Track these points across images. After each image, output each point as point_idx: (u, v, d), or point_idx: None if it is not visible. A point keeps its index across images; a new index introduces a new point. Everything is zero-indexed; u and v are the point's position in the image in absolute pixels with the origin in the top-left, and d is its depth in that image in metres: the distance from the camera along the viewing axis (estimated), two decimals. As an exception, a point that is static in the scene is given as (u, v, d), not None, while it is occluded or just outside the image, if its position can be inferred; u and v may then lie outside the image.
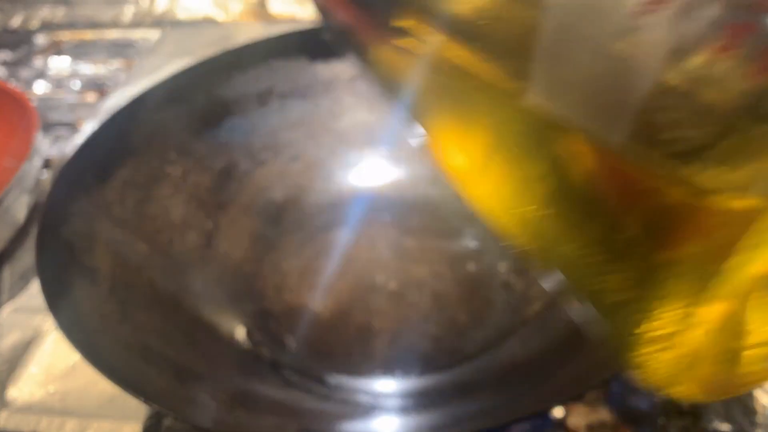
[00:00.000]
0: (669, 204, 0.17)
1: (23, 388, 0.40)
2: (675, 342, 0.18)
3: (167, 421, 0.37)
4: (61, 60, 0.78)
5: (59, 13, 0.83)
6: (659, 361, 0.19)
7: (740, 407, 0.36)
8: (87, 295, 0.35)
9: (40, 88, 0.74)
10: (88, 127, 0.62)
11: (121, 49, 0.80)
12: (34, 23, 0.83)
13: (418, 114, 0.28)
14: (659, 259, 0.18)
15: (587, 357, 0.34)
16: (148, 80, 0.63)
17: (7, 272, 0.48)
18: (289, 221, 0.47)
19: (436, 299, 0.41)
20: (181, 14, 0.81)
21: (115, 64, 0.77)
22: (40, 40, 0.81)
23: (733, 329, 0.19)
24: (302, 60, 0.50)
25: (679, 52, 0.16)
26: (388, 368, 0.37)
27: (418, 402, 0.35)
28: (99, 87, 0.74)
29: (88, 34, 0.81)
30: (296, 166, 0.49)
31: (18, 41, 0.82)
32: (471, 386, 0.35)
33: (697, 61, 0.16)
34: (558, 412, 0.37)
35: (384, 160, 0.50)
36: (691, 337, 0.18)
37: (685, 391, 0.20)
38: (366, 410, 0.34)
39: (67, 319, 0.32)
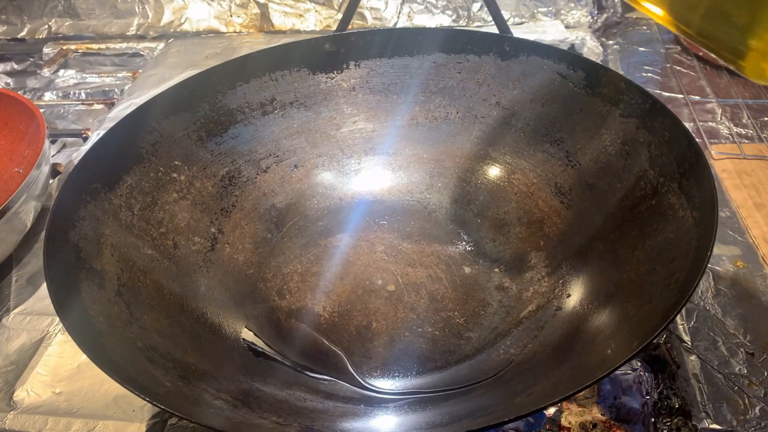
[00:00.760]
0: None
1: (30, 390, 0.41)
2: None
3: (171, 421, 0.38)
4: (68, 70, 0.80)
5: (66, 25, 0.84)
6: None
7: (729, 407, 0.37)
8: (94, 298, 0.35)
9: (47, 97, 0.76)
10: (95, 136, 0.64)
11: (126, 60, 0.82)
12: (42, 34, 0.85)
13: None
14: None
15: (581, 358, 0.35)
16: (153, 90, 0.64)
17: (15, 276, 0.49)
18: (291, 226, 0.48)
19: (433, 301, 0.42)
20: (186, 26, 0.83)
21: (121, 74, 0.78)
22: (48, 50, 0.82)
23: None
24: (304, 70, 0.51)
25: None
26: (386, 368, 0.38)
27: (415, 401, 0.36)
28: (105, 97, 0.75)
29: (95, 46, 0.82)
30: (298, 173, 0.51)
31: (26, 52, 0.84)
32: (467, 386, 0.36)
33: None
34: (551, 411, 0.38)
35: (382, 168, 0.52)
36: None
37: None
38: (365, 409, 0.35)
39: (75, 321, 0.33)
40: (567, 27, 0.76)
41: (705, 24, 0.30)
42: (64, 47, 0.83)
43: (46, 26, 0.85)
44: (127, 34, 0.83)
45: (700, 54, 0.68)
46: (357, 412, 0.35)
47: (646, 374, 0.39)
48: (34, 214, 0.51)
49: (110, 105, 0.72)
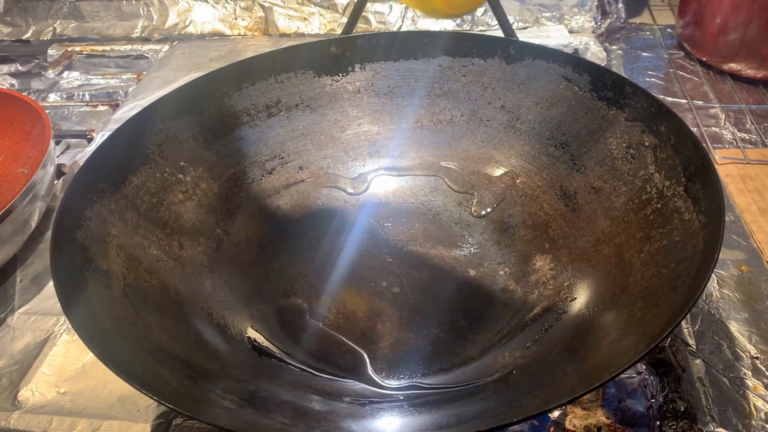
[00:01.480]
0: None
1: (35, 389, 0.41)
2: None
3: (176, 422, 0.38)
4: (72, 72, 0.80)
5: (71, 27, 0.84)
6: None
7: (735, 411, 0.37)
8: (100, 297, 0.36)
9: (52, 99, 0.76)
10: (99, 137, 0.64)
11: (131, 62, 0.82)
12: (47, 36, 0.85)
13: None
14: None
15: (586, 361, 0.35)
16: (158, 92, 0.64)
17: (20, 276, 0.49)
18: (296, 228, 0.49)
19: (438, 303, 0.42)
20: (190, 29, 0.83)
21: (126, 76, 0.79)
22: (53, 52, 0.83)
23: None
24: (309, 73, 0.51)
25: None
26: (391, 369, 0.38)
27: (420, 402, 0.36)
28: (109, 98, 0.75)
29: (100, 48, 0.83)
30: (303, 175, 0.51)
31: (31, 54, 0.84)
32: (472, 388, 0.36)
33: None
34: (556, 414, 0.38)
35: (387, 170, 0.52)
36: None
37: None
38: (371, 410, 0.35)
39: (82, 320, 0.33)
40: (571, 32, 0.76)
41: None
42: (69, 49, 0.83)
43: (51, 28, 0.85)
44: (132, 36, 0.83)
45: (704, 59, 0.69)
46: (363, 413, 0.35)
47: (651, 378, 0.39)
48: (38, 214, 0.51)
49: (114, 106, 0.72)
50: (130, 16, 0.84)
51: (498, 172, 0.49)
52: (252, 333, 0.40)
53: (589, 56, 0.71)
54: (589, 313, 0.38)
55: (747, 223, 0.49)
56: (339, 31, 0.79)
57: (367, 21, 0.79)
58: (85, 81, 0.79)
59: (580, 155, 0.45)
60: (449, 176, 0.50)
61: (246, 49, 0.78)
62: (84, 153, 0.62)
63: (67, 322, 0.44)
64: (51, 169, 0.52)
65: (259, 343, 0.40)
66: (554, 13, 0.77)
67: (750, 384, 0.38)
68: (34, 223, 0.51)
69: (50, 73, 0.80)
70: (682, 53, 0.72)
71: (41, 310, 0.46)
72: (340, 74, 0.52)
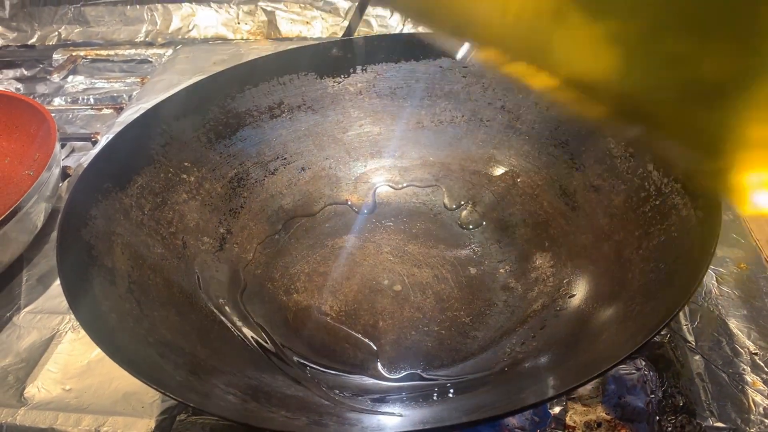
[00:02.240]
0: None
1: (41, 386, 0.41)
2: None
3: (180, 417, 0.39)
4: (77, 76, 0.81)
5: (76, 32, 0.85)
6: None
7: (734, 406, 0.37)
8: (106, 294, 0.36)
9: (57, 103, 0.77)
10: (104, 139, 0.65)
11: (135, 66, 0.83)
12: (52, 41, 0.86)
13: None
14: None
15: (585, 354, 0.35)
16: (162, 95, 0.65)
17: (26, 276, 0.50)
18: (298, 227, 0.49)
19: (439, 301, 0.43)
20: (194, 33, 0.84)
21: (130, 80, 0.79)
22: (58, 57, 0.83)
23: None
24: (311, 75, 0.52)
25: None
26: (393, 366, 0.39)
27: (421, 397, 0.36)
28: (114, 102, 0.76)
29: (104, 52, 0.84)
30: (305, 175, 0.51)
31: (36, 58, 0.85)
32: (472, 383, 0.36)
33: None
34: (557, 410, 0.38)
35: (388, 170, 0.52)
36: None
37: None
38: (372, 405, 0.35)
39: (88, 317, 0.33)
40: (570, 34, 0.76)
41: None
42: (74, 53, 0.84)
43: (56, 33, 0.86)
44: (136, 40, 0.84)
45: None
46: (364, 407, 0.35)
47: (651, 373, 0.39)
48: (44, 215, 0.52)
49: (119, 110, 0.73)
50: (134, 20, 0.85)
51: (498, 171, 0.50)
52: (255, 329, 0.41)
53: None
54: (587, 309, 0.39)
55: (746, 222, 0.49)
56: (341, 34, 0.79)
57: (369, 25, 0.80)
58: (89, 85, 0.79)
59: (579, 154, 0.46)
60: (450, 176, 0.51)
61: (249, 53, 0.79)
62: (89, 155, 0.63)
63: (73, 320, 0.45)
64: (56, 171, 0.53)
65: (262, 339, 0.40)
66: (554, 16, 0.78)
67: (749, 379, 0.38)
68: (39, 224, 0.52)
69: (55, 78, 0.81)
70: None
71: (47, 308, 0.47)
72: (342, 76, 0.52)
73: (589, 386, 0.39)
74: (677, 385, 0.39)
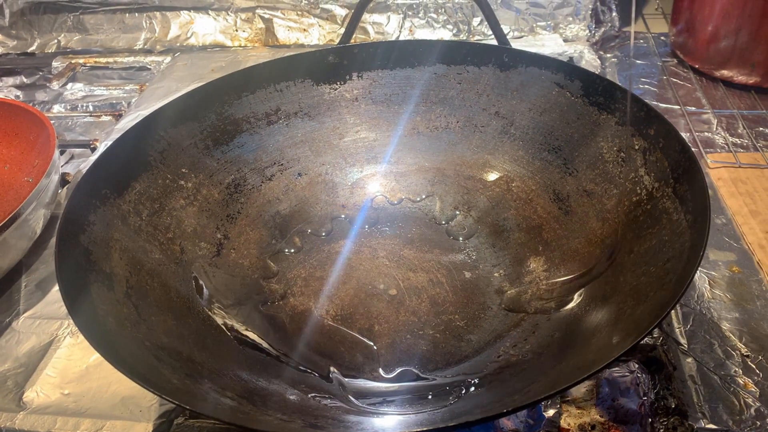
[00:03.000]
0: None
1: (39, 391, 0.42)
2: None
3: (177, 421, 0.39)
4: (76, 83, 0.81)
5: (75, 40, 0.86)
6: None
7: (725, 408, 0.38)
8: (103, 299, 0.36)
9: (56, 110, 0.77)
10: (103, 146, 0.65)
11: (134, 74, 0.84)
12: (51, 49, 0.86)
13: None
14: None
15: (578, 357, 0.35)
16: (160, 102, 0.66)
17: (25, 282, 0.50)
18: (295, 232, 0.50)
19: (434, 305, 0.43)
20: (192, 40, 0.84)
21: (128, 87, 0.80)
22: (57, 64, 0.84)
23: None
24: (308, 82, 0.53)
25: None
26: (388, 369, 0.39)
27: (416, 399, 0.36)
28: (113, 109, 0.77)
29: (103, 59, 0.84)
30: (301, 181, 0.52)
31: (35, 66, 0.86)
32: (467, 384, 0.37)
33: None
34: (551, 413, 0.38)
35: (384, 176, 0.53)
36: None
37: None
38: (367, 407, 0.36)
39: (86, 321, 0.33)
40: (565, 41, 0.77)
41: None
42: (73, 61, 0.84)
43: (56, 41, 0.87)
44: (135, 48, 0.85)
45: (696, 66, 0.70)
46: (360, 409, 0.35)
47: (644, 376, 0.40)
48: (43, 221, 0.52)
49: (118, 117, 0.73)
50: (132, 28, 0.85)
51: (493, 176, 0.50)
52: (251, 333, 0.41)
53: (583, 64, 0.72)
54: (580, 312, 0.39)
55: (738, 226, 0.50)
56: (338, 41, 0.80)
57: (366, 32, 0.81)
58: (88, 92, 0.80)
59: (572, 159, 0.46)
60: (445, 181, 0.51)
61: (247, 60, 0.79)
62: (87, 162, 0.63)
63: (71, 325, 0.45)
64: (55, 178, 0.54)
65: (257, 343, 0.40)
66: (549, 23, 0.79)
67: (740, 381, 0.39)
68: (39, 230, 0.52)
69: (54, 85, 0.81)
70: (675, 61, 0.73)
71: (46, 314, 0.47)
72: (338, 83, 0.53)
73: (583, 389, 0.39)
74: (669, 387, 0.39)
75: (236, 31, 0.84)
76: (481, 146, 0.51)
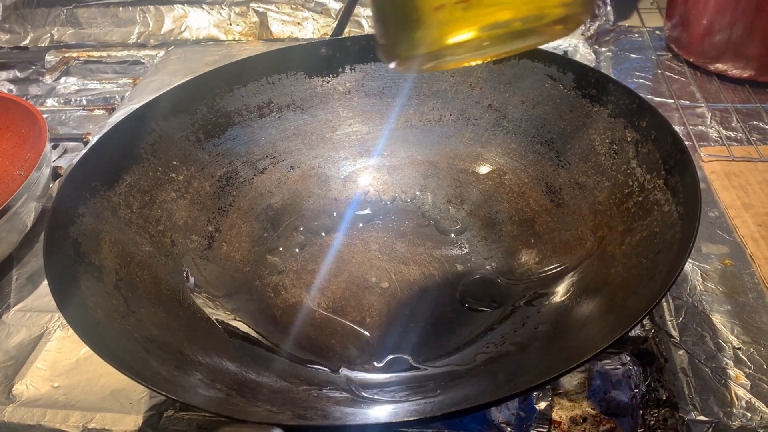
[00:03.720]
0: None
1: (29, 384, 0.41)
2: None
3: (167, 413, 0.39)
4: (69, 77, 0.81)
5: (68, 34, 0.86)
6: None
7: (716, 399, 0.37)
8: (92, 291, 0.36)
9: (49, 104, 0.77)
10: (95, 140, 0.65)
11: (127, 68, 0.83)
12: (45, 43, 0.86)
13: None
14: None
15: (568, 348, 0.35)
16: (153, 96, 0.65)
17: (15, 275, 0.50)
18: (287, 226, 0.49)
19: (426, 298, 0.43)
20: (186, 34, 0.84)
21: (122, 81, 0.80)
22: (50, 58, 0.84)
23: None
24: (300, 74, 0.52)
25: None
26: (380, 360, 0.39)
27: (407, 391, 0.36)
28: (106, 103, 0.76)
29: (96, 53, 0.84)
30: (294, 174, 0.52)
31: (29, 60, 0.85)
32: (457, 375, 0.37)
33: None
34: (542, 406, 0.38)
35: (377, 169, 0.53)
36: None
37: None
38: (358, 399, 0.36)
39: (74, 313, 0.33)
40: (560, 35, 0.77)
41: None
42: (66, 55, 0.84)
43: (49, 35, 0.86)
44: (128, 42, 0.85)
45: (691, 60, 0.70)
46: (349, 401, 0.35)
47: (635, 368, 0.40)
48: (34, 214, 0.52)
49: (111, 110, 0.73)
50: (126, 22, 0.85)
51: (485, 169, 0.50)
52: (242, 326, 0.41)
53: (578, 58, 0.72)
54: (570, 304, 0.39)
55: (731, 219, 0.50)
56: (330, 34, 0.80)
57: (360, 25, 0.80)
58: (82, 86, 0.80)
59: (565, 152, 0.46)
60: (438, 174, 0.51)
61: (240, 54, 0.79)
62: (80, 156, 0.63)
63: (62, 318, 0.45)
64: (47, 171, 0.53)
65: (248, 335, 0.40)
66: (544, 17, 0.78)
67: (732, 374, 0.39)
68: (29, 223, 0.52)
69: (48, 79, 0.81)
70: (670, 54, 0.73)
71: (36, 307, 0.47)
72: (331, 75, 0.53)
73: (574, 381, 0.39)
74: (661, 379, 0.39)
75: (230, 24, 0.84)
76: (474, 139, 0.51)
